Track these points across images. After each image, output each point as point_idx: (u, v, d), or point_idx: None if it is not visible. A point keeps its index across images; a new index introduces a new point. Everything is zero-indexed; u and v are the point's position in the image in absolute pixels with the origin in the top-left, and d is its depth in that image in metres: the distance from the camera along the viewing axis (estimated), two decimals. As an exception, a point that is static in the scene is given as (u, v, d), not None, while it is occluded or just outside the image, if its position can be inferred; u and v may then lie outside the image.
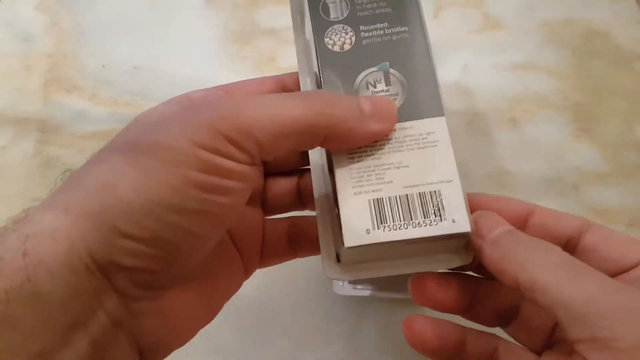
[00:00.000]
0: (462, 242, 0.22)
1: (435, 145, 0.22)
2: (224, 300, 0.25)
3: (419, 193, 0.21)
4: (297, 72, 0.25)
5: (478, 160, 0.42)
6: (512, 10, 0.49)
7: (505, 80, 0.45)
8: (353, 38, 0.23)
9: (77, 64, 0.48)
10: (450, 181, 0.21)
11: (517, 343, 0.23)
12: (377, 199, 0.21)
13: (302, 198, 0.27)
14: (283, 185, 0.27)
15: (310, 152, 0.25)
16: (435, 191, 0.21)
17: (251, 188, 0.20)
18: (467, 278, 0.23)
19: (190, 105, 0.20)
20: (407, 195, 0.21)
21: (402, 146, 0.22)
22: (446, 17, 0.49)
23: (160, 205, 0.18)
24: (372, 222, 0.21)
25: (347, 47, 0.23)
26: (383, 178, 0.21)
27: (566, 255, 0.19)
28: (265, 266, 0.27)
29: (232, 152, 0.19)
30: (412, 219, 0.21)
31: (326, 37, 0.23)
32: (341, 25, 0.24)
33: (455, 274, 0.23)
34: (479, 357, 0.23)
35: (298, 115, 0.20)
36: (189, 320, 0.23)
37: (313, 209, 0.25)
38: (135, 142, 0.20)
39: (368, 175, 0.21)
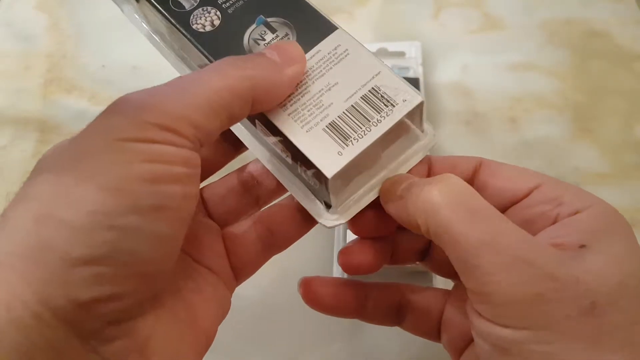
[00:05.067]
0: (417, 117, 0.23)
1: (348, 54, 0.23)
2: (211, 324, 0.23)
3: (362, 97, 0.22)
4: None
5: (478, 160, 0.42)
6: (512, 10, 0.49)
7: (505, 80, 0.45)
8: (218, 13, 0.24)
9: (77, 64, 0.48)
10: (379, 72, 0.22)
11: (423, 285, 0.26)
12: (330, 123, 0.21)
13: (252, 189, 0.26)
14: (221, 186, 0.26)
15: (240, 136, 0.25)
16: (373, 87, 0.22)
17: (198, 176, 0.19)
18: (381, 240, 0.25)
19: (110, 108, 0.18)
20: (352, 105, 0.22)
21: (321, 70, 0.22)
22: (446, 17, 0.49)
23: (108, 213, 0.16)
24: (338, 143, 0.21)
25: (217, 22, 0.23)
26: (322, 104, 0.22)
27: (466, 192, 0.20)
28: (244, 277, 0.25)
29: (169, 138, 0.18)
30: (369, 121, 0.21)
31: (192, 25, 0.23)
32: (200, 9, 0.24)
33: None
34: (385, 308, 0.25)
35: (221, 85, 0.19)
36: (176, 351, 0.20)
37: (268, 199, 0.26)
38: (58, 161, 0.18)
39: (308, 111, 0.22)
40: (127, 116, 0.18)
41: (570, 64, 0.46)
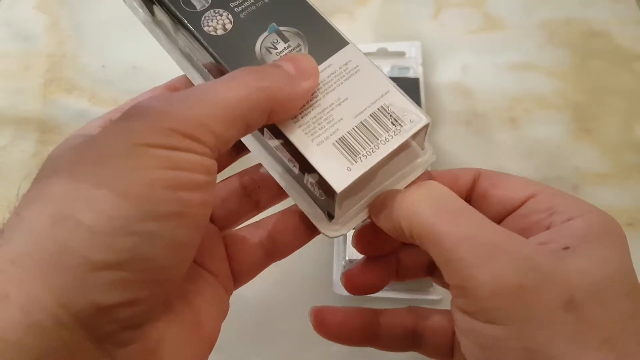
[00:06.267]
0: (421, 137, 0.23)
1: (359, 70, 0.23)
2: (214, 326, 0.23)
3: (371, 115, 0.22)
4: (183, 75, 0.26)
5: (478, 160, 0.42)
6: (512, 10, 0.49)
7: (505, 80, 0.45)
8: (230, 17, 0.23)
9: (77, 64, 0.48)
10: (388, 92, 0.23)
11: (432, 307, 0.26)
12: (340, 138, 0.22)
13: (252, 193, 0.26)
14: (222, 189, 0.26)
15: (246, 143, 0.25)
16: (382, 106, 0.22)
17: (215, 183, 0.19)
18: (384, 260, 0.25)
19: (130, 112, 0.18)
20: (361, 122, 0.22)
21: (332, 85, 0.23)
22: (446, 17, 0.49)
23: (128, 219, 0.16)
24: (347, 159, 0.22)
25: (229, 26, 0.23)
26: (333, 119, 0.22)
27: (446, 195, 0.20)
28: (243, 282, 0.25)
29: (190, 145, 0.18)
30: (378, 139, 0.22)
31: (204, 26, 0.23)
32: (212, 10, 0.24)
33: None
34: (399, 335, 0.25)
35: (241, 95, 0.19)
36: (183, 354, 0.20)
37: (268, 204, 0.26)
38: (75, 161, 0.18)
39: (319, 124, 0.22)
40: (148, 121, 0.18)
41: (570, 64, 0.46)
